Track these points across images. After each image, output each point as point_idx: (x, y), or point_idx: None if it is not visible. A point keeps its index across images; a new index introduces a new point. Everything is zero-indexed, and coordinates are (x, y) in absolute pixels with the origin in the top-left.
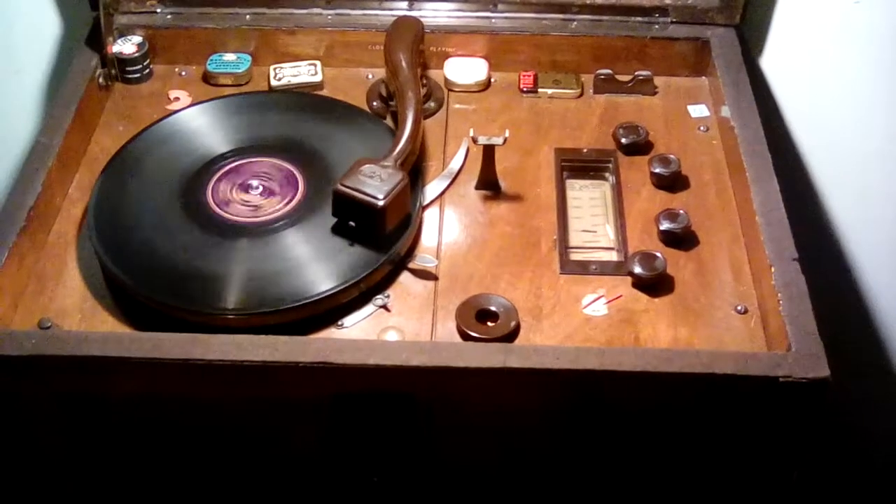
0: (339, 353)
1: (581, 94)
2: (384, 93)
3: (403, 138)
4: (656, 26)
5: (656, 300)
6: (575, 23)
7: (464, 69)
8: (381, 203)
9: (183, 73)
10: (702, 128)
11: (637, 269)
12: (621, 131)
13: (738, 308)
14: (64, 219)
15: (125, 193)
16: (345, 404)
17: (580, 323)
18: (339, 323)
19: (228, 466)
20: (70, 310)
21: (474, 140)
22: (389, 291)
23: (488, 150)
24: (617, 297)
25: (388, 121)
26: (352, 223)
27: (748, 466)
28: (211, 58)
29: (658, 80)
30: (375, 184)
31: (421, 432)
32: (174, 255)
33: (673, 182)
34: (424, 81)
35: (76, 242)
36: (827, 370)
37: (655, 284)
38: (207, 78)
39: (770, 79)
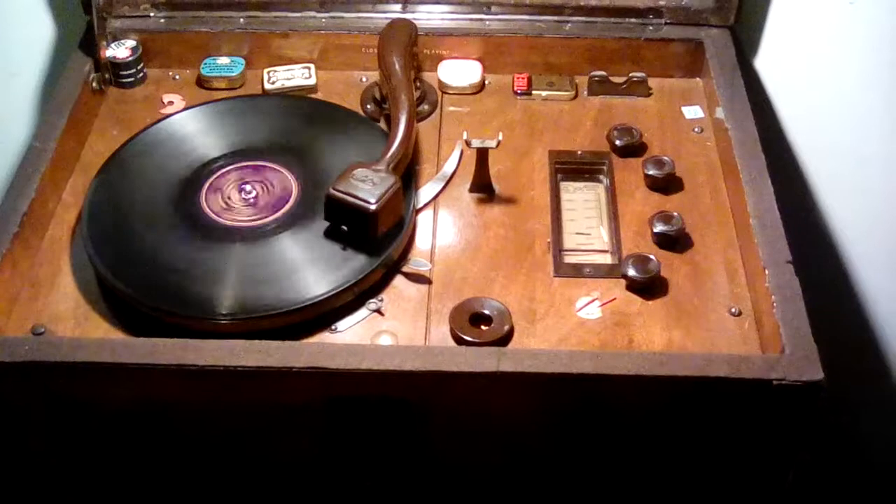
0: (332, 358)
1: (575, 96)
2: (378, 96)
3: (396, 142)
4: (650, 28)
5: (650, 303)
6: (569, 24)
7: (457, 71)
8: (373, 207)
9: (176, 77)
10: (696, 129)
11: (631, 272)
12: (615, 133)
13: (732, 310)
14: (58, 224)
15: (119, 198)
16: (338, 409)
17: (574, 326)
18: (333, 327)
19: (222, 472)
20: (64, 315)
21: (468, 143)
22: (383, 295)
23: (482, 153)
24: (611, 300)
25: (383, 124)
26: (344, 227)
27: (743, 468)
28: (204, 61)
29: (652, 82)
30: (367, 188)
31: (415, 436)
32: (168, 260)
33: (667, 184)
34: (418, 84)
35: (70, 247)
36: (821, 373)
37: (649, 287)
38: (201, 82)
39: (764, 80)
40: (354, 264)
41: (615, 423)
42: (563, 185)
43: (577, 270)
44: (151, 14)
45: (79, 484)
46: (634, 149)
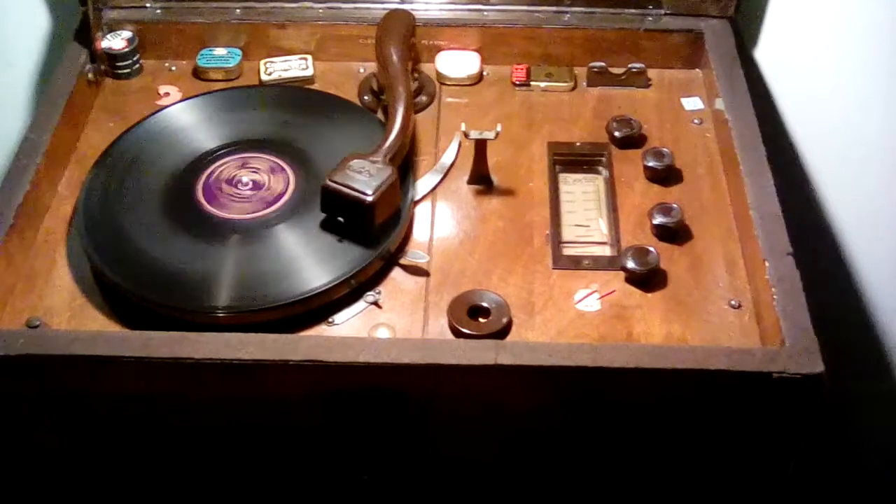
0: (329, 351)
1: (574, 87)
2: (375, 87)
3: (393, 133)
4: (650, 18)
5: (649, 295)
6: (568, 15)
7: (456, 62)
8: (369, 199)
9: (173, 68)
10: (696, 121)
11: (630, 264)
12: (614, 124)
13: (732, 303)
14: (53, 216)
15: (115, 190)
16: (336, 402)
17: (573, 318)
18: (330, 320)
19: (219, 465)
20: (59, 308)
21: (466, 134)
22: (381, 288)
23: (480, 145)
24: (610, 293)
25: (380, 115)
26: (341, 219)
27: (743, 462)
28: (201, 52)
29: (652, 73)
30: (364, 179)
31: (413, 430)
32: (164, 253)
33: (666, 175)
34: (416, 75)
35: (65, 240)
36: (821, 366)
37: (649, 279)
38: (198, 73)
39: (764, 71)
40: (351, 256)
41: (614, 416)
42: (562, 176)
43: (576, 262)
44: (147, 5)
45: (75, 477)
46: (634, 140)
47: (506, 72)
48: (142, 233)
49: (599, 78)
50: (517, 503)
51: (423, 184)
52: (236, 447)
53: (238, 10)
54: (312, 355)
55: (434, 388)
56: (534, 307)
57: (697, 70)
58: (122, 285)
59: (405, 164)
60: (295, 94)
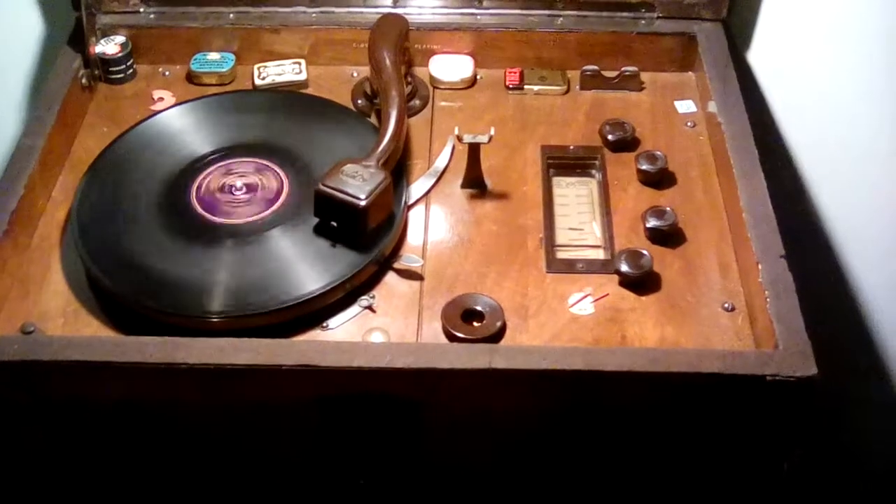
0: (323, 355)
1: (567, 91)
2: (369, 91)
3: (386, 137)
4: (642, 21)
5: (643, 298)
6: (561, 19)
7: (449, 66)
8: (362, 203)
9: (167, 73)
10: (689, 123)
11: (624, 267)
12: (608, 128)
13: (726, 306)
14: (47, 222)
15: (109, 195)
16: (330, 407)
17: (566, 322)
18: (324, 324)
19: (213, 470)
20: (53, 314)
21: (459, 138)
22: (375, 292)
23: (474, 149)
24: (604, 296)
25: (374, 119)
26: (334, 223)
27: (737, 464)
28: (195, 57)
29: (645, 76)
30: (357, 184)
31: (408, 434)
32: (158, 258)
33: (660, 179)
34: (409, 79)
35: (60, 246)
36: (814, 368)
37: (642, 282)
38: (191, 77)
39: (757, 74)
40: (346, 261)
41: (608, 419)
42: (556, 180)
43: (570, 266)
44: (141, 10)
45: (69, 482)
46: (627, 143)
47: (499, 75)
48: (136, 238)
49: (592, 81)
50: None
51: (417, 188)
52: (231, 452)
53: (231, 15)
54: (306, 360)
55: (428, 392)
56: (528, 311)
57: (690, 73)
58: (116, 291)
59: (399, 169)
60: (288, 99)
